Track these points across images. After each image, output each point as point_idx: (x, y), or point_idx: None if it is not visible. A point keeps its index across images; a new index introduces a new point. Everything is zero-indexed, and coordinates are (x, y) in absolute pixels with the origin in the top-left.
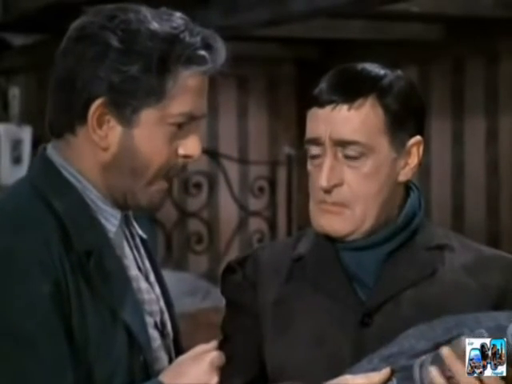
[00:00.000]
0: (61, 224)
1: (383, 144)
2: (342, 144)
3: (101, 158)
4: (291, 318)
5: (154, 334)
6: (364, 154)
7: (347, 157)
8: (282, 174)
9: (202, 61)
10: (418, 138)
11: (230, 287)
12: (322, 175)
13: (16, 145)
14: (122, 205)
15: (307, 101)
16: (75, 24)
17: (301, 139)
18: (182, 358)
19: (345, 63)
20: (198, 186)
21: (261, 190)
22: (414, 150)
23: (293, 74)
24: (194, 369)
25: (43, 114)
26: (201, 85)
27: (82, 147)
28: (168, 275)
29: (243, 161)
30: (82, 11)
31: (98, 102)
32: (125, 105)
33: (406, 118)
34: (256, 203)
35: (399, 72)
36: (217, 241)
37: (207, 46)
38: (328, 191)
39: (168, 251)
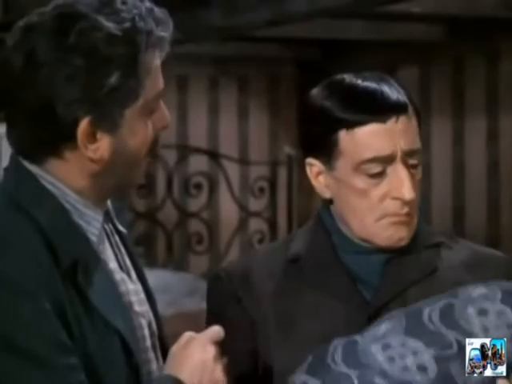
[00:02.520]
0: (43, 235)
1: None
2: (410, 154)
3: (92, 169)
4: (294, 320)
5: (146, 334)
6: (420, 161)
7: (412, 166)
8: (282, 175)
9: (162, 42)
10: None
11: (214, 297)
12: (405, 188)
13: None
14: (109, 196)
15: (343, 122)
16: (20, 48)
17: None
18: (174, 350)
19: (345, 64)
20: (198, 186)
21: (261, 190)
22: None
23: (293, 75)
24: (192, 351)
25: None
26: (159, 61)
27: (70, 166)
28: (168, 275)
29: (243, 161)
30: None
31: (84, 122)
32: (110, 116)
33: (420, 122)
34: (256, 204)
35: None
36: (217, 241)
37: (159, 23)
38: (407, 203)
39: (168, 251)
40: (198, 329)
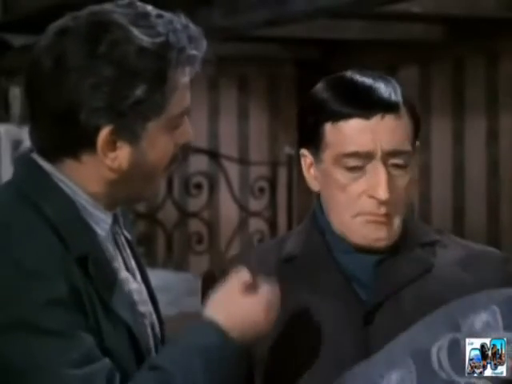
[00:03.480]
0: (54, 230)
1: (412, 152)
2: (393, 154)
3: (108, 176)
4: (291, 320)
5: (149, 334)
6: (408, 163)
7: (396, 167)
8: (282, 175)
9: (193, 60)
10: (417, 142)
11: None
12: (380, 188)
13: (16, 145)
14: (120, 204)
15: (330, 114)
16: (52, 50)
17: (301, 141)
18: (226, 289)
19: (345, 63)
20: (198, 186)
21: (261, 190)
22: (417, 154)
23: (293, 75)
24: (248, 302)
25: None
26: (188, 79)
27: (86, 169)
28: (169, 275)
29: (243, 161)
30: None
31: (105, 130)
32: (132, 127)
33: (419, 124)
34: (256, 203)
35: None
36: (217, 241)
37: (192, 41)
38: (383, 203)
39: (168, 251)
40: None
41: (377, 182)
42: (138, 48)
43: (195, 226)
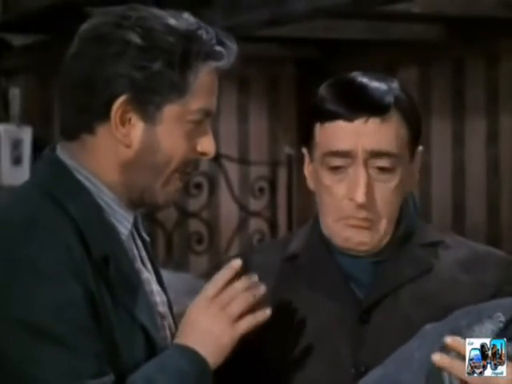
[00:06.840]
0: (77, 228)
1: (406, 156)
2: (376, 156)
3: (122, 156)
4: (289, 319)
5: (168, 335)
6: (395, 166)
7: (380, 170)
8: (282, 175)
9: (219, 56)
10: (421, 147)
11: None
12: (358, 190)
13: (16, 145)
14: (138, 204)
15: (319, 115)
16: (85, 26)
17: (301, 139)
18: (191, 310)
19: (345, 64)
20: (198, 186)
21: (261, 190)
22: (419, 159)
23: (293, 75)
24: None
25: (43, 114)
26: (215, 81)
27: (101, 146)
28: (168, 275)
29: (243, 161)
30: (83, 12)
31: (121, 99)
32: (148, 101)
33: (418, 128)
34: (256, 203)
35: (396, 80)
36: (217, 241)
37: (221, 43)
38: (361, 206)
39: (168, 251)
40: None
41: (355, 184)
42: (165, 25)
43: (195, 226)
